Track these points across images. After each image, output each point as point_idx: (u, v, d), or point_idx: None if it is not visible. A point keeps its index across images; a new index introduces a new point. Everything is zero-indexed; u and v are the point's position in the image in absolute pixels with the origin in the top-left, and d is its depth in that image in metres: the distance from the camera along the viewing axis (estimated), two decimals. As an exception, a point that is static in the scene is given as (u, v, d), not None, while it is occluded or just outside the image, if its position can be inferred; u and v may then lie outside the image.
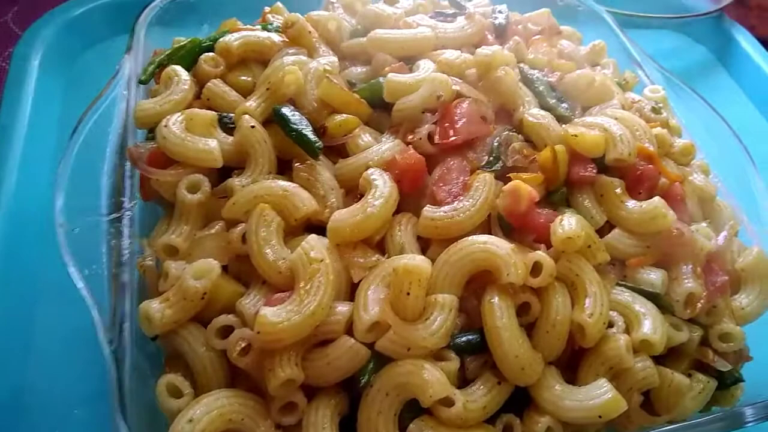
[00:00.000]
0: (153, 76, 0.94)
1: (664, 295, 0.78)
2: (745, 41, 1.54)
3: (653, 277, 0.79)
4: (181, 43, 0.97)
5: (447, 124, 0.82)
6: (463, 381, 0.72)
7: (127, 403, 0.64)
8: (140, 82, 0.92)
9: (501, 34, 1.03)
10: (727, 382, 0.81)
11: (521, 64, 0.97)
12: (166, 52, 0.96)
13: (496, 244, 0.72)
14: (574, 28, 1.21)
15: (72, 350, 0.84)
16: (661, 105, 1.01)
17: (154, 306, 0.70)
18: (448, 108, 0.83)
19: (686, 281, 0.79)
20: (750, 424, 0.75)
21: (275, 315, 0.66)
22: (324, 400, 0.68)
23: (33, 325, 0.88)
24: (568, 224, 0.74)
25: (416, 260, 0.69)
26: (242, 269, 0.76)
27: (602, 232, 0.83)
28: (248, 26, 0.99)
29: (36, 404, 0.80)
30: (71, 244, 0.73)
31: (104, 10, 1.27)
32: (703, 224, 0.86)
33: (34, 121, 1.11)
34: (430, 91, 0.84)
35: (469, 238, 0.73)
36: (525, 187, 0.76)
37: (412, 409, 0.68)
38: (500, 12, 1.05)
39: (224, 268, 0.75)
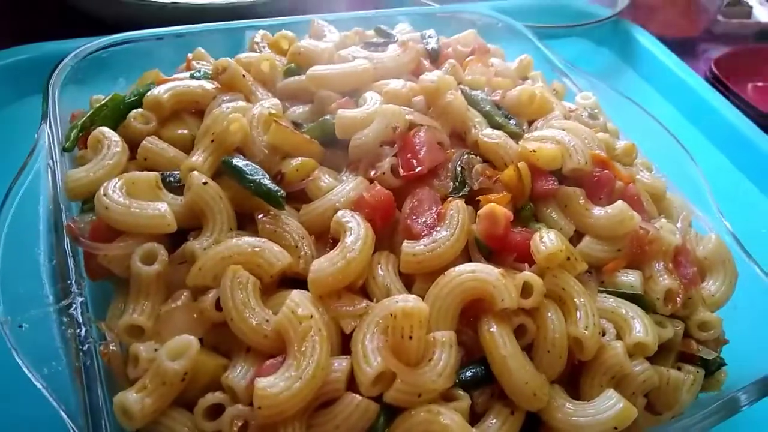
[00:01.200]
0: (77, 142, 0.85)
1: (644, 295, 0.80)
2: (645, 39, 1.65)
3: (632, 279, 0.80)
4: (102, 102, 0.90)
5: (409, 155, 0.80)
6: (472, 416, 0.69)
7: None
8: (64, 149, 0.84)
9: (435, 58, 1.03)
10: (711, 368, 0.83)
11: (461, 86, 0.97)
12: (87, 114, 0.88)
13: (484, 271, 0.70)
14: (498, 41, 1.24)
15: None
16: (596, 110, 1.05)
17: (131, 397, 0.62)
18: (407, 138, 0.81)
19: (661, 278, 0.81)
20: (744, 408, 0.77)
21: (274, 385, 0.60)
22: (337, 467, 0.63)
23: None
24: (549, 240, 0.74)
25: (412, 301, 0.66)
26: (219, 339, 0.69)
27: (571, 242, 0.84)
28: (174, 76, 0.93)
29: None
30: (21, 343, 0.63)
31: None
32: (663, 220, 0.89)
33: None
34: (385, 124, 0.81)
35: (456, 268, 0.71)
36: (500, 209, 0.75)
37: (430, 459, 0.64)
38: (430, 37, 1.05)
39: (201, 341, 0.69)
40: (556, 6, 1.69)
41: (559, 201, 0.85)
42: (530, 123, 0.97)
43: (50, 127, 0.85)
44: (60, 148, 0.83)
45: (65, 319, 0.67)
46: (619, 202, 0.83)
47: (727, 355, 0.88)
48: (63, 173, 0.80)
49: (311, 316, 0.64)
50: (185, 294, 0.71)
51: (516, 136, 0.89)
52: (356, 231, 0.72)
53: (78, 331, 0.67)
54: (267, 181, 0.76)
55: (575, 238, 0.84)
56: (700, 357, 0.82)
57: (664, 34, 1.70)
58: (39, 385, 0.61)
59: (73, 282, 0.71)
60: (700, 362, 0.83)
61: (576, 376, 0.75)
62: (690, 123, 1.49)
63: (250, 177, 0.76)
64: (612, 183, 0.87)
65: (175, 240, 0.76)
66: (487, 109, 0.92)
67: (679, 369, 0.81)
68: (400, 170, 0.79)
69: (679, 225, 0.93)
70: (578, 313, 0.73)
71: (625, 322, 0.76)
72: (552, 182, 0.84)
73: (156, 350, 0.66)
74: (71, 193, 0.77)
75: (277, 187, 0.75)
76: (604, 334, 0.75)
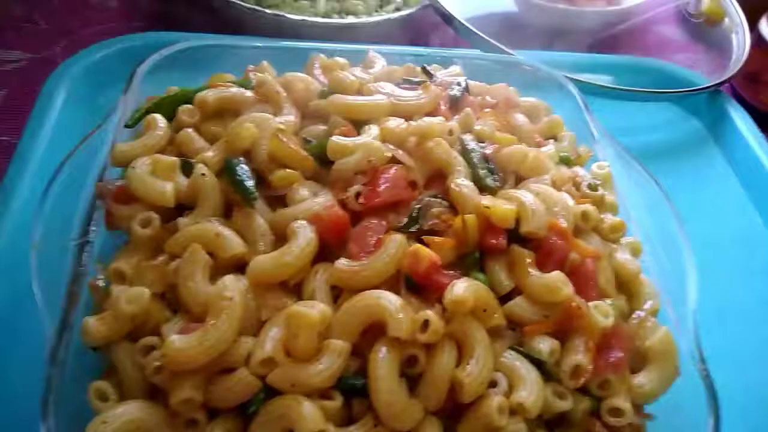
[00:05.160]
0: (139, 121, 1.08)
1: (552, 364, 0.84)
2: (740, 118, 1.56)
3: (542, 346, 0.84)
4: (172, 93, 1.12)
5: (372, 188, 0.91)
6: (350, 420, 0.80)
7: (51, 403, 0.75)
8: (126, 126, 1.06)
9: (454, 104, 1.12)
10: (614, 453, 0.85)
11: (466, 135, 1.05)
12: (154, 101, 1.10)
13: (388, 300, 0.80)
14: (553, 97, 1.29)
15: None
16: (599, 182, 1.07)
17: (91, 322, 0.82)
18: (376, 173, 0.93)
19: (575, 354, 0.84)
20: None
21: (180, 341, 0.76)
22: (221, 422, 0.78)
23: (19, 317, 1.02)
24: (457, 289, 0.81)
25: (308, 308, 0.78)
26: (175, 299, 0.87)
27: (512, 296, 0.90)
28: (228, 83, 1.12)
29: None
30: (40, 264, 0.86)
31: (122, 54, 1.44)
32: (608, 302, 0.90)
33: (55, 143, 1.27)
34: (364, 156, 0.94)
35: (368, 292, 0.82)
36: (425, 250, 0.84)
37: (295, 439, 0.77)
38: (458, 84, 1.14)
39: (164, 295, 0.87)
40: (651, 69, 1.66)
41: (508, 257, 0.91)
42: (520, 180, 1.03)
43: (124, 104, 1.08)
44: (123, 124, 1.06)
45: (76, 253, 0.89)
46: (555, 273, 0.87)
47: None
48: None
49: (231, 298, 0.79)
50: (163, 258, 0.89)
51: (490, 190, 0.97)
52: (300, 240, 0.86)
53: (81, 264, 0.88)
54: (249, 183, 0.92)
55: (515, 295, 0.90)
56: (602, 438, 0.84)
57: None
58: (37, 297, 0.83)
59: (93, 227, 0.93)
60: (605, 443, 0.85)
61: (458, 417, 0.82)
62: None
63: (237, 176, 0.93)
64: (564, 254, 0.91)
65: (179, 212, 0.95)
66: (475, 160, 1.00)
67: (578, 443, 0.84)
68: (362, 199, 0.91)
69: (639, 312, 0.94)
70: (471, 360, 0.80)
71: (517, 381, 0.81)
72: (501, 239, 0.90)
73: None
74: (114, 160, 0.99)
75: (252, 190, 0.91)
76: (495, 386, 0.81)
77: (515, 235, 0.92)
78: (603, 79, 1.57)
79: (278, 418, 0.75)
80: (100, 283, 0.88)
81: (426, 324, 0.80)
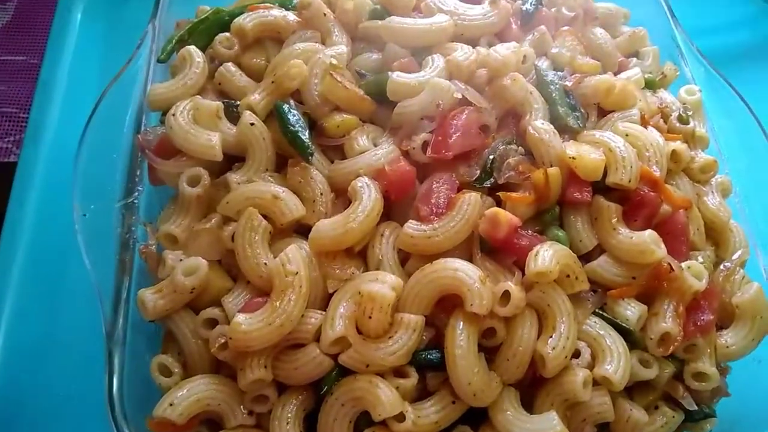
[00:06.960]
0: (172, 54, 0.96)
1: (638, 332, 0.78)
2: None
3: (629, 313, 0.78)
4: (204, 16, 0.99)
5: (442, 137, 0.81)
6: (424, 392, 0.77)
7: (115, 384, 0.73)
8: (159, 60, 0.95)
9: (528, 20, 0.97)
10: (695, 417, 0.82)
11: (540, 62, 0.92)
12: (187, 27, 0.97)
13: (466, 273, 0.73)
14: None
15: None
16: (690, 112, 0.94)
17: (148, 295, 0.78)
18: (446, 118, 0.82)
19: (665, 320, 0.78)
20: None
21: (247, 323, 0.72)
22: (291, 397, 0.75)
23: (65, 279, 0.98)
24: (541, 259, 0.74)
25: (382, 285, 0.72)
26: (233, 263, 0.81)
27: (594, 253, 0.83)
28: (266, 3, 0.98)
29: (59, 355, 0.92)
30: (83, 229, 0.80)
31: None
32: (699, 259, 0.83)
33: (77, 66, 1.17)
34: (430, 98, 0.83)
35: (443, 261, 0.75)
36: (504, 214, 0.76)
37: (369, 417, 0.74)
38: (533, -7, 0.99)
39: (219, 261, 0.82)
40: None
41: (591, 212, 0.83)
42: (604, 113, 0.92)
43: (153, 37, 0.96)
44: (156, 59, 0.95)
45: (122, 215, 0.83)
46: (647, 233, 0.79)
47: (732, 404, 0.86)
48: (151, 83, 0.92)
49: (296, 273, 0.73)
50: (216, 218, 0.82)
51: (572, 132, 0.86)
52: (365, 202, 0.78)
53: (128, 227, 0.82)
54: (303, 134, 0.82)
55: (597, 252, 0.83)
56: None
57: None
58: (88, 267, 0.78)
59: (138, 184, 0.86)
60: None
61: (537, 386, 0.78)
62: None
63: (290, 127, 0.83)
64: (654, 207, 0.82)
65: (229, 163, 0.87)
66: (554, 95, 0.88)
67: (656, 408, 0.81)
68: (430, 150, 0.81)
69: (727, 263, 0.87)
70: (553, 333, 0.75)
71: (602, 352, 0.76)
72: (586, 193, 0.81)
73: (181, 260, 0.80)
74: (152, 105, 0.90)
75: (309, 144, 0.82)
76: (577, 356, 0.77)
77: (599, 184, 0.83)
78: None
79: (352, 400, 0.72)
80: (151, 248, 0.83)
81: (506, 295, 0.75)
